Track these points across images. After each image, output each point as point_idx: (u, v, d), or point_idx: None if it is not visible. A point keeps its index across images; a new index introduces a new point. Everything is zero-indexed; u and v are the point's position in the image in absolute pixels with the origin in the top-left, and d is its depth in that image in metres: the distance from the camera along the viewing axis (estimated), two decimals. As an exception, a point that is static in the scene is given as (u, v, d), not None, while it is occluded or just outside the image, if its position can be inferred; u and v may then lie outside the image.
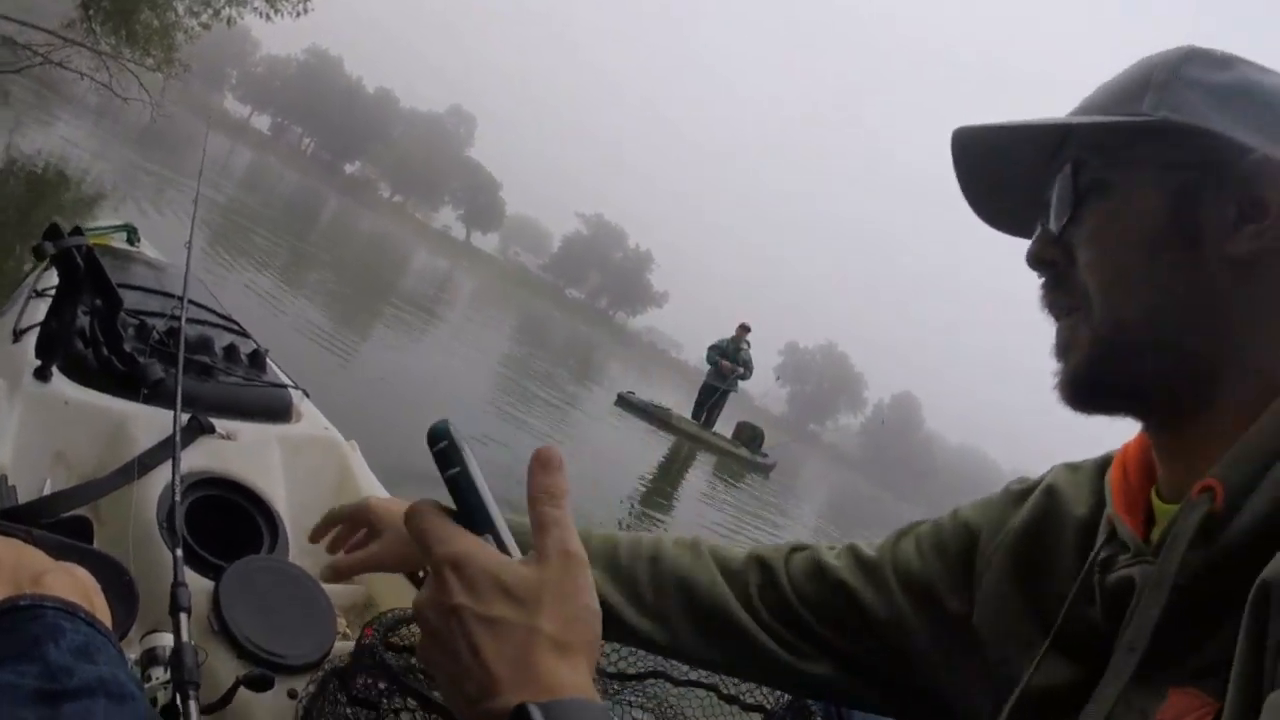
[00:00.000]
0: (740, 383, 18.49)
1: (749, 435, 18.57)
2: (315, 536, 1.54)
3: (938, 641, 1.08)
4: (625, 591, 1.23)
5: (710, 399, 18.16)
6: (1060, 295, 0.90)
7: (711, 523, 9.53)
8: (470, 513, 0.65)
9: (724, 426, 18.82)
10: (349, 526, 1.49)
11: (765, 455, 18.59)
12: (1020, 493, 1.08)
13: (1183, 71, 0.82)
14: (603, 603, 1.04)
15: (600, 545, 1.27)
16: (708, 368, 18.32)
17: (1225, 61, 0.83)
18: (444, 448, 0.65)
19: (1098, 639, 0.82)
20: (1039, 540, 1.00)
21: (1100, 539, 0.89)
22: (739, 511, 11.39)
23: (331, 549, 1.51)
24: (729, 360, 17.72)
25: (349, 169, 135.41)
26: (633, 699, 1.45)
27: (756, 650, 1.17)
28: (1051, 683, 0.87)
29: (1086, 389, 0.87)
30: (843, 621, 1.14)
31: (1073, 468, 1.04)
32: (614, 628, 1.21)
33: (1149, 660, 0.75)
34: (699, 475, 13.57)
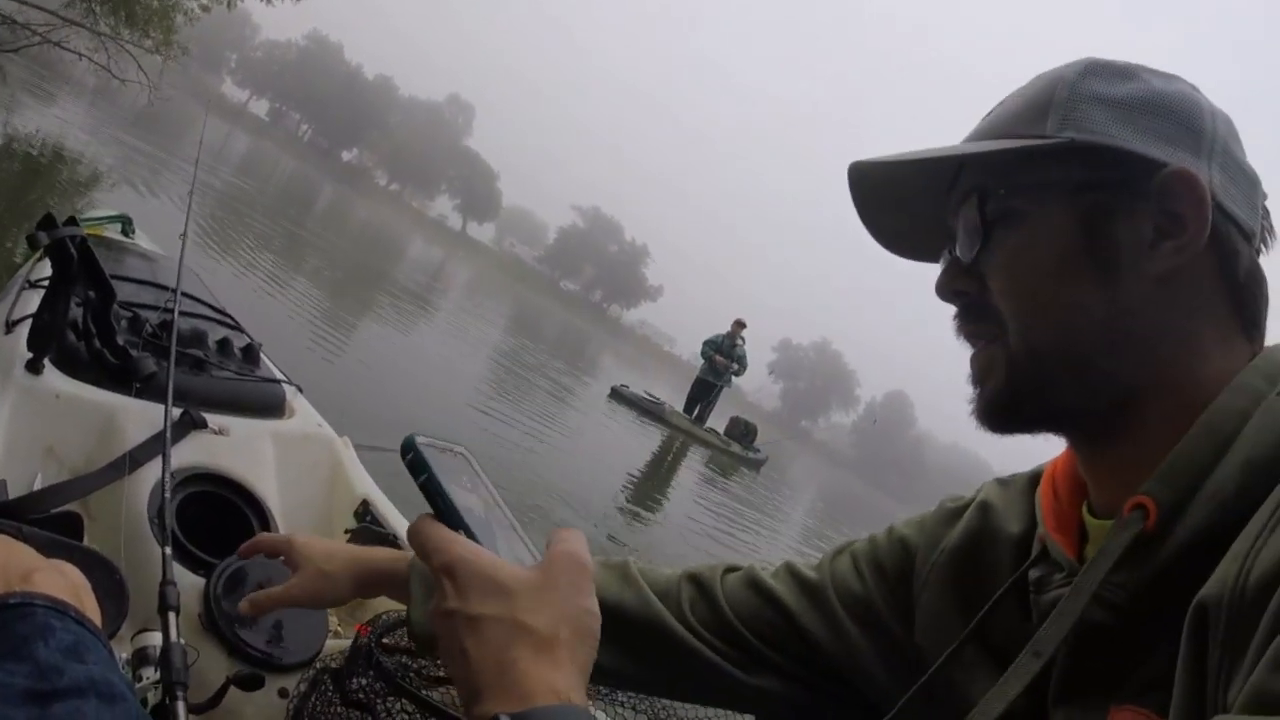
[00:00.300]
0: (734, 379, 18.48)
1: (741, 431, 18.62)
2: (244, 554, 1.53)
3: (884, 661, 1.07)
4: None
5: (703, 394, 18.17)
6: (976, 324, 0.88)
7: (700, 520, 9.54)
8: (442, 514, 0.69)
9: (717, 422, 18.84)
10: (271, 556, 1.48)
11: (757, 450, 18.64)
12: (954, 510, 1.07)
13: (1083, 87, 0.81)
14: None
15: None
16: (701, 362, 18.31)
17: (1126, 72, 0.82)
18: (411, 459, 0.70)
19: None
20: (974, 559, 1.00)
21: (1033, 556, 0.89)
22: (729, 508, 11.40)
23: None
24: (723, 356, 17.71)
25: (346, 156, 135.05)
26: (625, 700, 1.45)
27: (699, 665, 1.14)
28: (966, 682, 0.87)
29: (1002, 414, 0.86)
30: (784, 643, 1.13)
31: (1004, 483, 1.03)
32: None
33: (1088, 679, 0.76)
34: (690, 471, 13.59)
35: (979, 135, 0.88)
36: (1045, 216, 0.82)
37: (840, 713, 1.14)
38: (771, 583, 1.17)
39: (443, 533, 0.67)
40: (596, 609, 0.65)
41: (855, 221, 0.97)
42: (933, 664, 0.97)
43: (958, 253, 0.88)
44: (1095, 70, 0.82)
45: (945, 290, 0.91)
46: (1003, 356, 0.84)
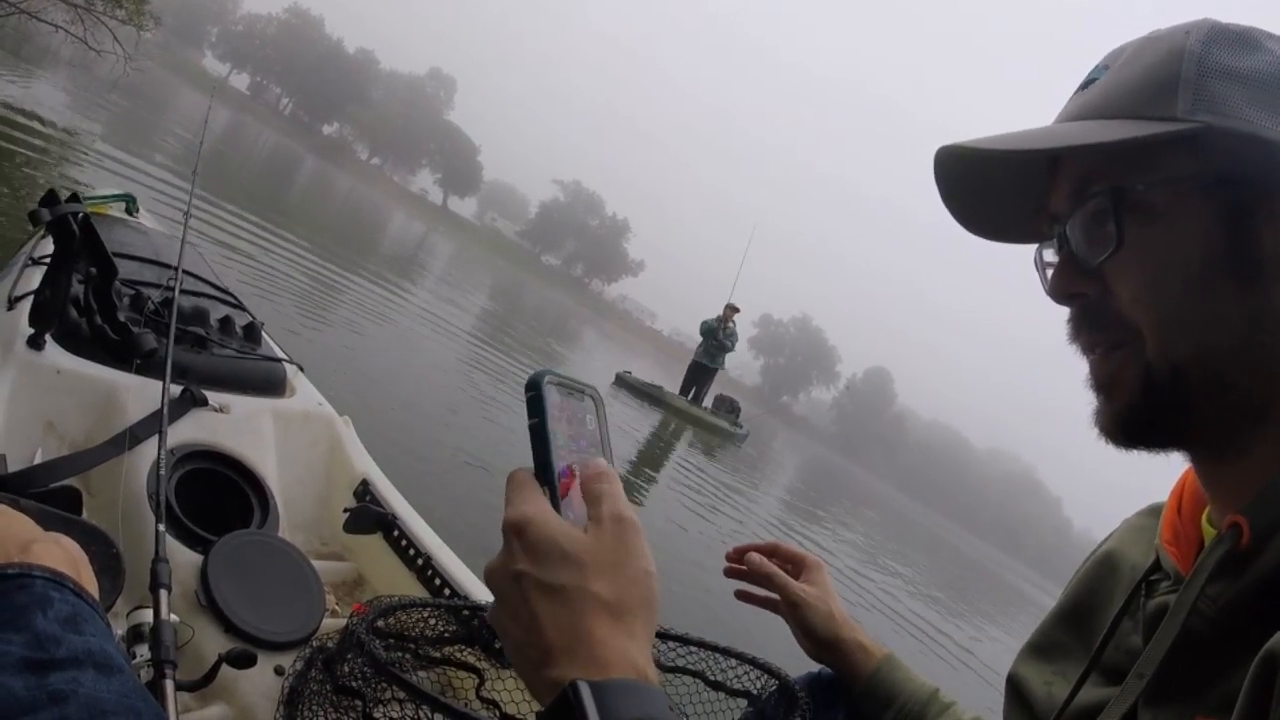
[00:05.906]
0: (725, 355, 18.94)
1: (727, 407, 19.52)
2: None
3: None
4: None
5: (700, 377, 18.66)
6: (1097, 331, 0.80)
7: (688, 489, 9.60)
8: (540, 467, 0.66)
9: (707, 401, 19.36)
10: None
11: (740, 426, 19.36)
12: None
13: (1211, 60, 0.73)
14: None
15: None
16: (698, 343, 18.80)
17: (1249, 39, 0.74)
18: (532, 397, 0.67)
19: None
20: (1091, 586, 0.98)
21: (1150, 563, 0.87)
22: (716, 476, 11.50)
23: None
24: (714, 339, 18.19)
25: (327, 130, 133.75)
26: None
27: None
28: (1089, 703, 0.85)
29: (1133, 431, 0.78)
30: None
31: (1154, 511, 0.98)
32: None
33: (1177, 686, 0.74)
34: (684, 445, 13.78)
35: (1088, 109, 0.79)
36: (1184, 215, 0.74)
37: None
38: None
39: (523, 487, 0.64)
40: (654, 569, 0.63)
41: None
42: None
43: (1077, 252, 0.80)
44: (1218, 38, 0.74)
45: (1061, 295, 0.82)
46: (1136, 369, 0.76)
